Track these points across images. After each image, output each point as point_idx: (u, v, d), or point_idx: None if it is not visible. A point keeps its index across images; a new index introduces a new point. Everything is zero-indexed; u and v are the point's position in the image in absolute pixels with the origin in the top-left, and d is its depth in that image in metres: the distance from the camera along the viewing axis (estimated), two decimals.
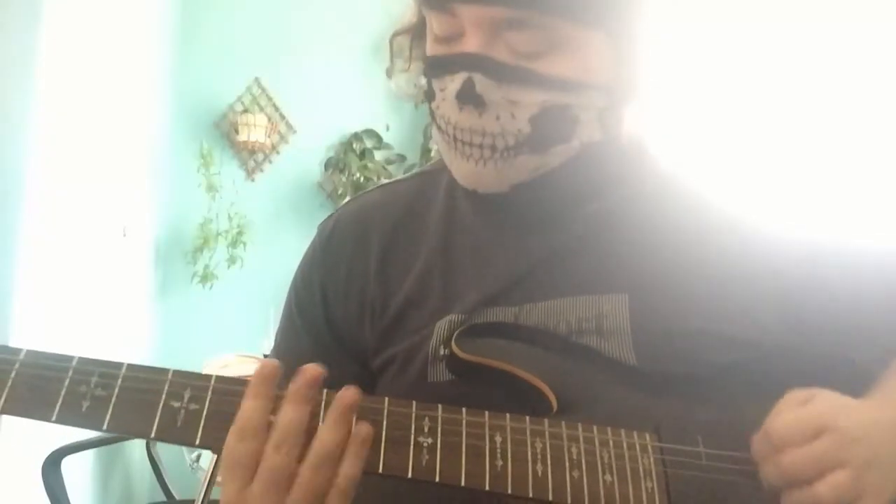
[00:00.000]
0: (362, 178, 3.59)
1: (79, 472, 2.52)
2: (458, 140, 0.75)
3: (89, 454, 2.68)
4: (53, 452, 2.10)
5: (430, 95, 0.77)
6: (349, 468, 0.61)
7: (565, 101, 0.73)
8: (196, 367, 2.75)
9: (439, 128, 0.77)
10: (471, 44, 0.72)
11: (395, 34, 0.85)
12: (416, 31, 0.82)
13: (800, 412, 0.65)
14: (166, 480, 2.92)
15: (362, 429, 0.62)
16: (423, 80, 0.80)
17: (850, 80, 3.06)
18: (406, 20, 0.83)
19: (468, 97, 0.72)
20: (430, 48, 0.77)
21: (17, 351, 0.65)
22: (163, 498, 2.97)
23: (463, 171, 0.77)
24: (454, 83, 0.72)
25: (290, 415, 0.62)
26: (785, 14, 3.03)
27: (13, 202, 2.03)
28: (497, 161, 0.74)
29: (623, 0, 0.72)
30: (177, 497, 2.91)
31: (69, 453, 2.14)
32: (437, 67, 0.75)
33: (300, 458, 0.61)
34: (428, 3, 0.75)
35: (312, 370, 0.63)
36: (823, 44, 3.05)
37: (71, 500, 2.12)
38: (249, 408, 0.62)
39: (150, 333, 3.44)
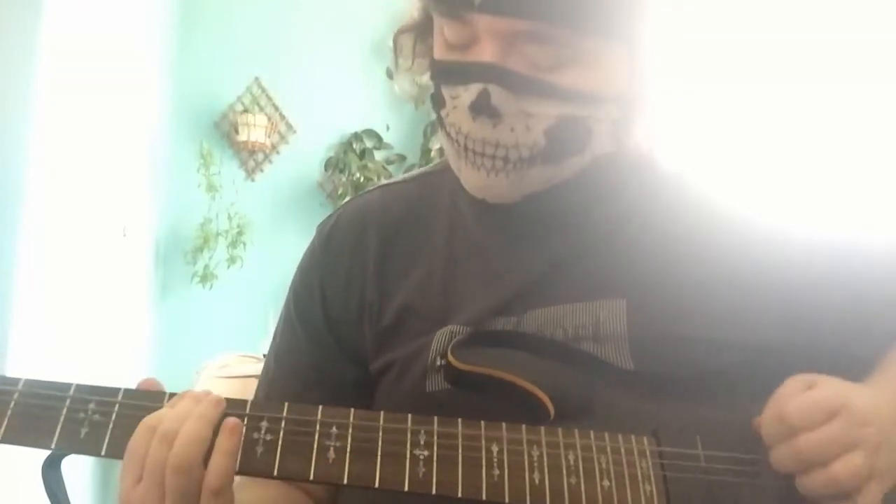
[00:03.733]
0: (362, 178, 3.58)
1: (79, 472, 2.52)
2: (470, 150, 0.73)
3: None
4: (53, 452, 2.09)
5: (439, 102, 0.75)
6: (217, 460, 0.61)
7: (581, 113, 0.72)
8: (195, 367, 2.76)
9: (449, 136, 0.75)
10: (486, 53, 0.70)
11: (400, 31, 0.82)
12: (421, 29, 0.80)
13: (812, 395, 0.65)
14: None
15: (230, 420, 0.63)
16: (428, 81, 0.78)
17: (848, 78, 3.07)
18: (409, 17, 0.81)
19: (483, 108, 0.70)
20: (440, 52, 0.75)
21: (14, 381, 0.66)
22: None
23: (473, 180, 0.75)
24: (468, 93, 0.70)
25: (180, 407, 0.63)
26: (789, 18, 3.03)
27: (13, 202, 2.03)
28: (510, 172, 0.73)
29: (640, 12, 0.70)
30: None
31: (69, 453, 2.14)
32: (448, 74, 0.73)
33: None
34: (441, 11, 0.72)
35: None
36: (823, 45, 3.06)
37: (71, 501, 2.11)
38: (162, 411, 0.64)
39: (150, 333, 3.43)
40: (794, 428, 0.64)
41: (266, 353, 0.91)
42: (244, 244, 3.50)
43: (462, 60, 0.72)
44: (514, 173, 0.73)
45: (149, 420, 0.63)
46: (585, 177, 0.76)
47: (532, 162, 0.73)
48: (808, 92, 3.07)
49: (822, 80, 3.08)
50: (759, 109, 2.92)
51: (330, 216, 0.91)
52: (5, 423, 0.64)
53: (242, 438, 0.63)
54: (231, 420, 0.63)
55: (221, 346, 3.04)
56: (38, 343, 2.08)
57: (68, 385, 0.66)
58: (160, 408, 0.65)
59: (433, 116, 0.80)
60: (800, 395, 0.65)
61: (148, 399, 0.66)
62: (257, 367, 2.61)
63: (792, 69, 3.05)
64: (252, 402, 0.67)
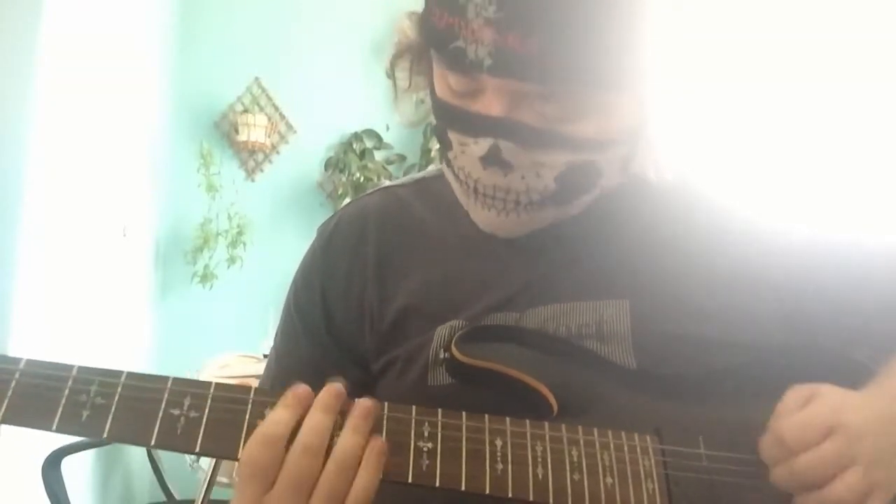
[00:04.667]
0: (362, 178, 3.59)
1: (79, 472, 2.52)
2: (480, 193, 0.73)
3: (89, 454, 2.68)
4: (53, 452, 2.10)
5: (444, 143, 0.75)
6: (366, 477, 0.61)
7: (591, 157, 0.72)
8: (196, 367, 2.75)
9: (457, 177, 0.75)
10: (494, 107, 0.69)
11: (395, 57, 0.80)
12: (416, 50, 0.78)
13: (807, 413, 0.64)
14: (166, 480, 2.92)
15: (378, 440, 0.63)
16: (431, 108, 0.77)
17: (849, 78, 3.07)
18: (403, 36, 0.79)
19: (494, 161, 0.70)
20: (443, 92, 0.73)
21: (16, 360, 0.65)
22: (163, 498, 2.97)
23: (483, 218, 0.76)
24: (478, 147, 0.70)
25: (317, 419, 0.62)
26: (789, 18, 3.04)
27: (13, 202, 2.03)
28: (520, 213, 0.74)
29: (645, 61, 0.69)
30: (177, 497, 2.91)
31: (69, 453, 2.14)
32: (455, 121, 0.72)
33: (322, 465, 0.61)
34: (447, 66, 0.71)
35: (338, 386, 0.64)
36: (823, 45, 3.07)
37: (71, 500, 2.12)
38: (279, 416, 0.62)
39: (150, 333, 3.44)
40: (790, 449, 0.63)
41: (266, 353, 0.90)
42: (244, 244, 3.50)
43: (469, 111, 0.71)
44: (525, 214, 0.74)
45: (270, 429, 0.61)
46: (591, 211, 0.76)
47: (542, 205, 0.73)
48: (809, 92, 3.07)
49: (822, 80, 3.08)
50: (759, 110, 2.93)
51: (331, 218, 0.91)
52: (6, 403, 0.63)
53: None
54: (380, 441, 0.62)
55: (221, 346, 3.04)
56: (38, 343, 2.08)
57: (70, 366, 0.65)
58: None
59: (433, 117, 0.79)
60: (795, 415, 0.64)
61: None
62: (257, 367, 2.62)
63: (792, 69, 3.05)
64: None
